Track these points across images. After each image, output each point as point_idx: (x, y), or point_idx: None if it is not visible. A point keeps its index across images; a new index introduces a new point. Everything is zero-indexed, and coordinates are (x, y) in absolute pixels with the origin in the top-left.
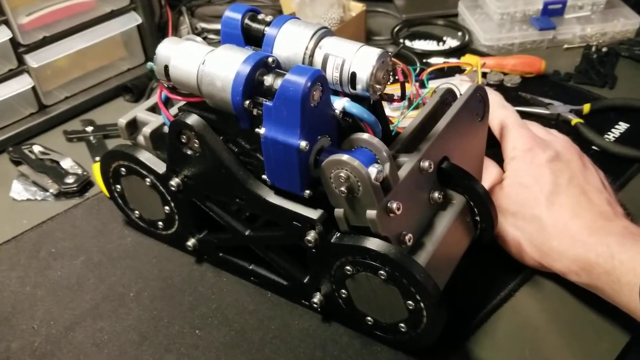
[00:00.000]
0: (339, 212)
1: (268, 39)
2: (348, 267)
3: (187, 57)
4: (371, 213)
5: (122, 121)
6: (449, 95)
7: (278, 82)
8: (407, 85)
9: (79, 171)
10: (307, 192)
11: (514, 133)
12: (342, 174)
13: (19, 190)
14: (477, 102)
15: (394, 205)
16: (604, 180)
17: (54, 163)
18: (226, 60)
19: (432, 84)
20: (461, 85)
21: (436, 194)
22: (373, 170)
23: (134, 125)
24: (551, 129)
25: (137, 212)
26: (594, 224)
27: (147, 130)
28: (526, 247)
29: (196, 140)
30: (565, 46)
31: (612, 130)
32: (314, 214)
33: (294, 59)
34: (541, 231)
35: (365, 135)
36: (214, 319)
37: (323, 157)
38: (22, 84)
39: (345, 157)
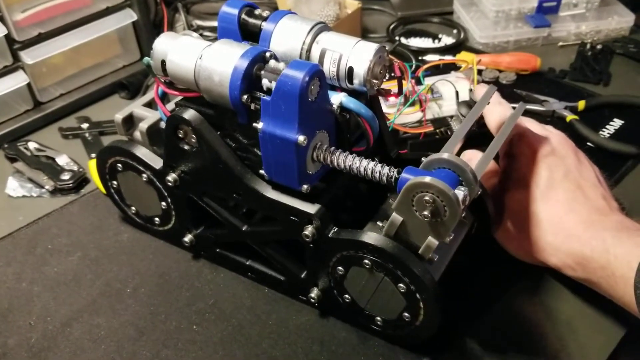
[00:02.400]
0: (397, 219)
1: (265, 34)
2: (367, 262)
3: (185, 51)
4: (433, 242)
5: (119, 117)
6: (492, 94)
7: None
8: (403, 81)
9: (75, 168)
10: (305, 187)
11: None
12: (427, 198)
13: (14, 187)
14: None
15: (449, 239)
16: (599, 175)
17: (49, 160)
18: (224, 54)
19: (428, 81)
20: (457, 83)
21: (462, 214)
22: (459, 194)
23: (130, 121)
24: (547, 125)
25: (133, 208)
26: (589, 219)
27: (143, 125)
28: (522, 242)
29: (193, 136)
30: (560, 44)
31: (607, 126)
32: (311, 208)
33: (291, 54)
34: (537, 226)
35: (446, 155)
36: (211, 314)
37: (404, 179)
38: (17, 80)
39: (429, 179)
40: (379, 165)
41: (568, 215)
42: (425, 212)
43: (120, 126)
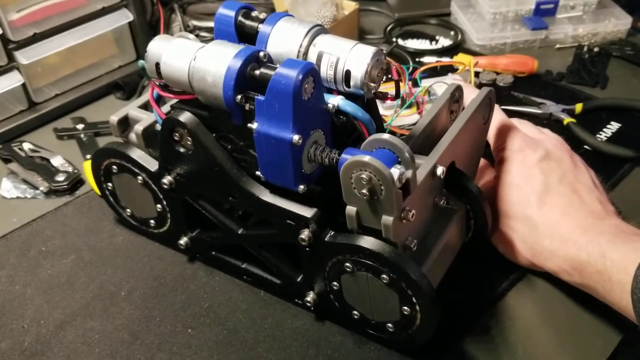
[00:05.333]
0: (351, 210)
1: (262, 36)
2: (348, 264)
3: (178, 53)
4: (387, 219)
5: (114, 118)
6: (457, 92)
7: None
8: (400, 84)
9: (70, 169)
10: (301, 187)
11: (505, 134)
12: (363, 176)
13: (8, 188)
14: (485, 106)
15: (410, 214)
16: (594, 178)
17: (44, 161)
18: (217, 55)
19: (425, 83)
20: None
21: (441, 201)
22: (395, 172)
23: (125, 123)
24: (543, 128)
25: (128, 210)
26: (585, 223)
27: (139, 127)
28: (518, 246)
29: (189, 138)
30: (557, 46)
31: (604, 129)
32: (307, 212)
33: (288, 57)
34: (533, 231)
35: (385, 136)
36: (206, 317)
37: (343, 159)
38: (12, 80)
39: (367, 158)
40: (324, 148)
41: (564, 220)
42: (364, 191)
43: (116, 128)
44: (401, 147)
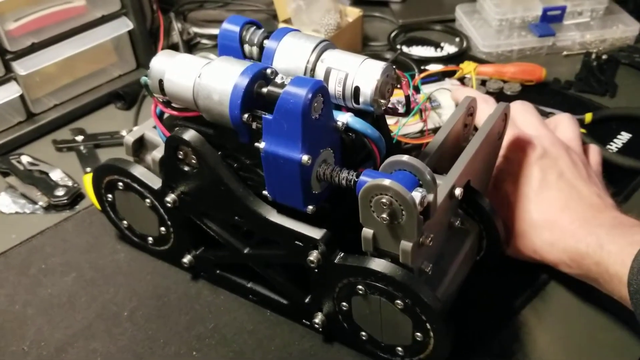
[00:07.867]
0: (367, 232)
1: (268, 52)
2: (360, 287)
3: (183, 70)
4: (406, 245)
5: (130, 139)
6: (472, 105)
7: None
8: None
9: (69, 183)
10: (310, 207)
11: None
12: (384, 200)
13: (7, 203)
14: (501, 121)
15: (428, 239)
16: (592, 174)
17: (43, 174)
18: (223, 72)
19: (426, 89)
20: (453, 90)
21: (456, 221)
22: (417, 195)
23: (140, 143)
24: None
25: (131, 227)
26: (584, 215)
27: (157, 155)
28: (519, 241)
29: (193, 157)
30: (565, 53)
31: (615, 140)
32: (316, 233)
33: (295, 73)
34: (532, 225)
35: (405, 157)
36: (212, 339)
37: (362, 182)
38: (9, 92)
39: (387, 182)
40: (337, 168)
41: (563, 213)
42: (384, 215)
43: (130, 148)
44: (422, 170)
